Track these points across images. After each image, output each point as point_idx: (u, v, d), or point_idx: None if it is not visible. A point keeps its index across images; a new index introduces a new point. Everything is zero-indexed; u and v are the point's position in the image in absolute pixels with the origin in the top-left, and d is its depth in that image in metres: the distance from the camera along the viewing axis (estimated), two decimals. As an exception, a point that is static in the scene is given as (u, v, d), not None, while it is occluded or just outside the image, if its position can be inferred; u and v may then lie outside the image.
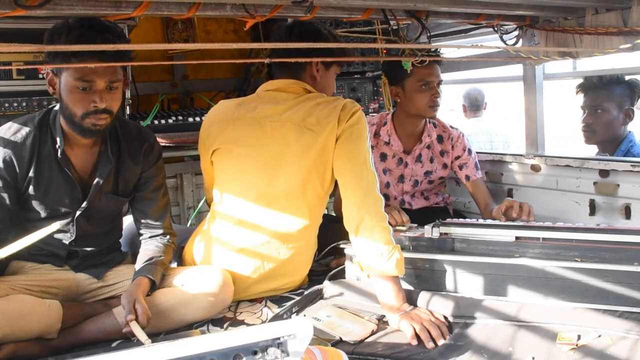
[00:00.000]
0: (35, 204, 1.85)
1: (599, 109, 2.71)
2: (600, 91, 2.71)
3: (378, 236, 1.81)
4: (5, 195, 1.79)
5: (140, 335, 1.61)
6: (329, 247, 2.26)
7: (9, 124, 1.83)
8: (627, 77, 2.71)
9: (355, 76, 3.44)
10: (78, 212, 1.89)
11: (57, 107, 1.85)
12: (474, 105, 4.25)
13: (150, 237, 2.02)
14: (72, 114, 1.75)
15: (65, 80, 1.73)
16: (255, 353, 1.03)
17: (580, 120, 2.80)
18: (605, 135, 2.72)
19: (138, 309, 1.67)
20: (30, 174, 1.80)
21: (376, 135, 2.71)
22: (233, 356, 1.01)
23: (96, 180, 1.89)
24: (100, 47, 1.55)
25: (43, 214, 1.87)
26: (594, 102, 2.73)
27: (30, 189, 1.82)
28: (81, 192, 1.89)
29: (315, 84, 2.08)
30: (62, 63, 1.71)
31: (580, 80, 2.79)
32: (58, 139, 1.81)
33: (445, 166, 2.78)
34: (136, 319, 1.64)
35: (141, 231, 2.03)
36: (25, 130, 1.80)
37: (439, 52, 2.63)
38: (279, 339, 1.06)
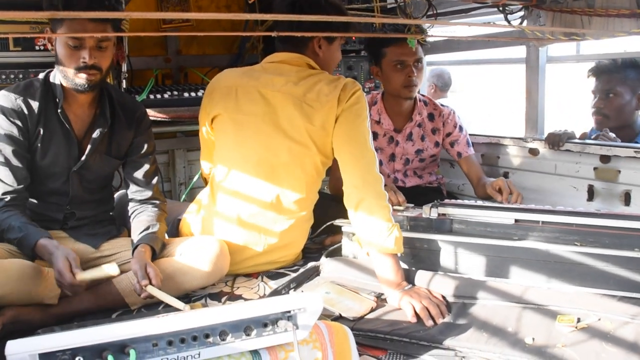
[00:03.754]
0: (38, 158, 1.90)
1: (611, 93, 2.65)
2: (614, 75, 2.64)
3: (378, 214, 1.81)
4: (21, 145, 1.86)
5: (165, 297, 1.66)
6: (325, 225, 2.25)
7: (17, 84, 1.91)
8: None
9: (351, 54, 3.40)
10: (74, 168, 1.94)
11: (56, 68, 1.91)
12: (446, 85, 4.25)
13: (140, 202, 2.05)
14: (66, 69, 1.83)
15: (59, 38, 1.82)
16: (265, 325, 1.02)
17: (591, 104, 2.73)
18: (617, 120, 2.66)
19: (150, 273, 1.72)
20: (39, 127, 1.88)
21: None
22: (244, 328, 1.00)
23: (93, 137, 1.95)
24: (93, 14, 1.61)
25: (42, 175, 1.92)
26: (606, 86, 2.66)
27: (37, 144, 1.89)
28: (77, 150, 1.95)
29: (318, 59, 2.08)
30: (57, 22, 1.81)
31: (592, 64, 2.72)
32: (58, 95, 1.88)
33: (437, 144, 2.79)
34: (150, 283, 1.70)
35: (131, 195, 2.06)
36: (35, 86, 1.89)
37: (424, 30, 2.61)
38: (289, 312, 1.05)
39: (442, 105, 2.80)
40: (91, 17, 1.72)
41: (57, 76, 1.89)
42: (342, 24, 2.03)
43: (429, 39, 2.43)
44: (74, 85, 1.84)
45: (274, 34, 1.71)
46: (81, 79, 1.81)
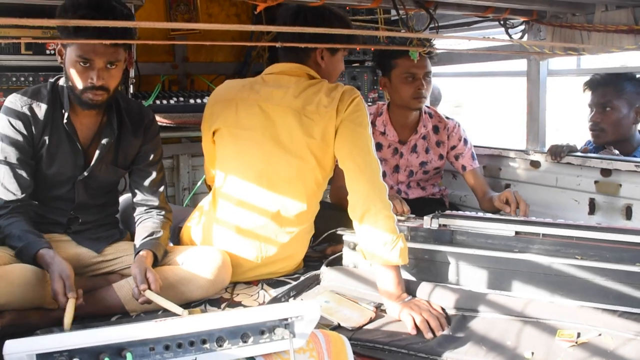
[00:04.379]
0: (44, 167, 1.91)
1: (607, 106, 2.60)
2: (610, 88, 2.60)
3: (383, 224, 1.80)
4: (26, 153, 1.87)
5: (163, 302, 1.66)
6: (325, 234, 2.25)
7: (25, 89, 1.92)
8: (638, 75, 2.63)
9: (355, 65, 3.41)
10: (79, 178, 1.95)
11: (63, 77, 1.92)
12: (436, 100, 4.27)
13: (146, 210, 2.04)
14: (73, 86, 1.84)
15: (69, 54, 1.81)
16: (262, 332, 1.02)
17: (587, 118, 2.70)
18: (615, 134, 2.63)
19: (150, 278, 1.72)
20: (44, 136, 1.89)
21: (372, 125, 2.70)
22: (241, 334, 1.00)
23: (99, 148, 1.95)
24: (97, 23, 1.58)
25: (48, 182, 1.93)
26: (602, 99, 2.62)
27: (43, 152, 1.90)
28: (83, 159, 1.95)
29: (320, 70, 2.07)
30: (67, 38, 1.80)
31: (587, 78, 2.70)
32: (64, 105, 1.89)
33: (441, 157, 2.79)
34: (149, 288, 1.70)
35: (137, 202, 2.06)
36: (42, 94, 1.90)
37: (432, 43, 2.63)
38: (286, 319, 1.06)
39: (447, 118, 2.80)
40: (102, 37, 1.69)
41: (66, 86, 1.89)
42: (345, 35, 2.02)
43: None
44: (79, 103, 1.85)
45: (278, 44, 1.72)
46: (87, 98, 1.82)
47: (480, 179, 2.73)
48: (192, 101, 2.82)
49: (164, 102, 2.78)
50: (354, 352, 1.35)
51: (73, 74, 1.80)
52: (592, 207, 2.53)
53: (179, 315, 1.61)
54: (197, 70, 3.33)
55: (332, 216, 2.21)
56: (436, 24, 2.38)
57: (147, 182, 2.04)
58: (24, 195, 1.85)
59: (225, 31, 3.26)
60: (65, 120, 1.88)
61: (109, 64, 1.80)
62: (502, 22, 2.56)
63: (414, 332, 1.64)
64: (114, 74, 1.83)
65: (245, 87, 2.06)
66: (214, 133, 2.09)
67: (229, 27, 1.19)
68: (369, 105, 2.86)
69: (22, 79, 2.39)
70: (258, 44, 3.10)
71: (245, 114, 2.01)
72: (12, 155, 1.84)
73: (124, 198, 2.25)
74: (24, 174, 1.85)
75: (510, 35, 2.55)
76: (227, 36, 3.35)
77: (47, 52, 2.40)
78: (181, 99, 2.83)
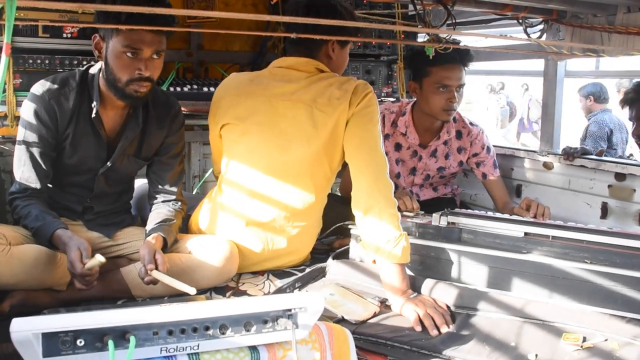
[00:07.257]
0: (65, 157, 1.90)
1: None
2: None
3: (386, 222, 1.80)
4: (48, 145, 1.84)
5: (171, 281, 1.66)
6: (333, 227, 2.25)
7: (53, 77, 1.86)
8: None
9: (370, 59, 3.39)
10: (101, 171, 1.94)
11: (95, 66, 1.89)
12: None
13: (162, 201, 2.04)
14: (117, 79, 1.78)
15: (113, 45, 1.75)
16: (265, 322, 1.03)
17: (631, 132, 2.66)
18: None
19: (158, 259, 1.71)
20: (69, 129, 1.85)
21: (393, 124, 2.65)
22: (244, 323, 1.00)
23: (122, 142, 1.93)
24: (127, 8, 1.55)
25: (67, 170, 1.92)
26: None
27: (66, 143, 1.87)
28: (106, 152, 1.93)
29: (330, 62, 2.05)
30: (111, 32, 1.74)
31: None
32: (94, 99, 1.85)
33: (460, 163, 2.73)
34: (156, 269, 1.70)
35: (154, 194, 2.05)
36: (70, 85, 1.85)
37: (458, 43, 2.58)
38: (290, 310, 1.06)
39: (471, 124, 2.71)
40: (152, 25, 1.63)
41: (97, 78, 1.84)
42: (354, 28, 2.01)
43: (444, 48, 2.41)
44: (121, 96, 1.80)
45: (293, 35, 1.70)
46: (132, 90, 1.77)
47: (501, 188, 2.67)
48: (205, 89, 2.82)
49: (178, 89, 2.79)
50: (357, 346, 1.35)
51: (118, 66, 1.74)
52: (605, 211, 2.51)
53: (187, 293, 1.62)
54: (212, 58, 3.33)
55: (340, 209, 2.21)
56: (453, 21, 2.35)
57: (166, 175, 2.03)
58: (42, 186, 1.84)
59: (241, 20, 3.26)
60: (93, 115, 1.84)
61: (155, 54, 1.76)
62: (520, 21, 2.53)
63: (418, 327, 1.64)
64: (157, 64, 1.79)
65: (254, 81, 2.05)
66: (221, 128, 2.07)
67: (245, 17, 1.19)
68: (390, 102, 2.83)
69: (39, 61, 2.40)
70: (274, 34, 3.09)
71: (254, 109, 1.99)
72: (35, 145, 1.81)
73: (138, 185, 2.24)
74: (43, 165, 1.83)
75: (528, 34, 2.52)
76: (243, 26, 3.34)
77: (64, 35, 2.40)
78: (195, 86, 2.83)
